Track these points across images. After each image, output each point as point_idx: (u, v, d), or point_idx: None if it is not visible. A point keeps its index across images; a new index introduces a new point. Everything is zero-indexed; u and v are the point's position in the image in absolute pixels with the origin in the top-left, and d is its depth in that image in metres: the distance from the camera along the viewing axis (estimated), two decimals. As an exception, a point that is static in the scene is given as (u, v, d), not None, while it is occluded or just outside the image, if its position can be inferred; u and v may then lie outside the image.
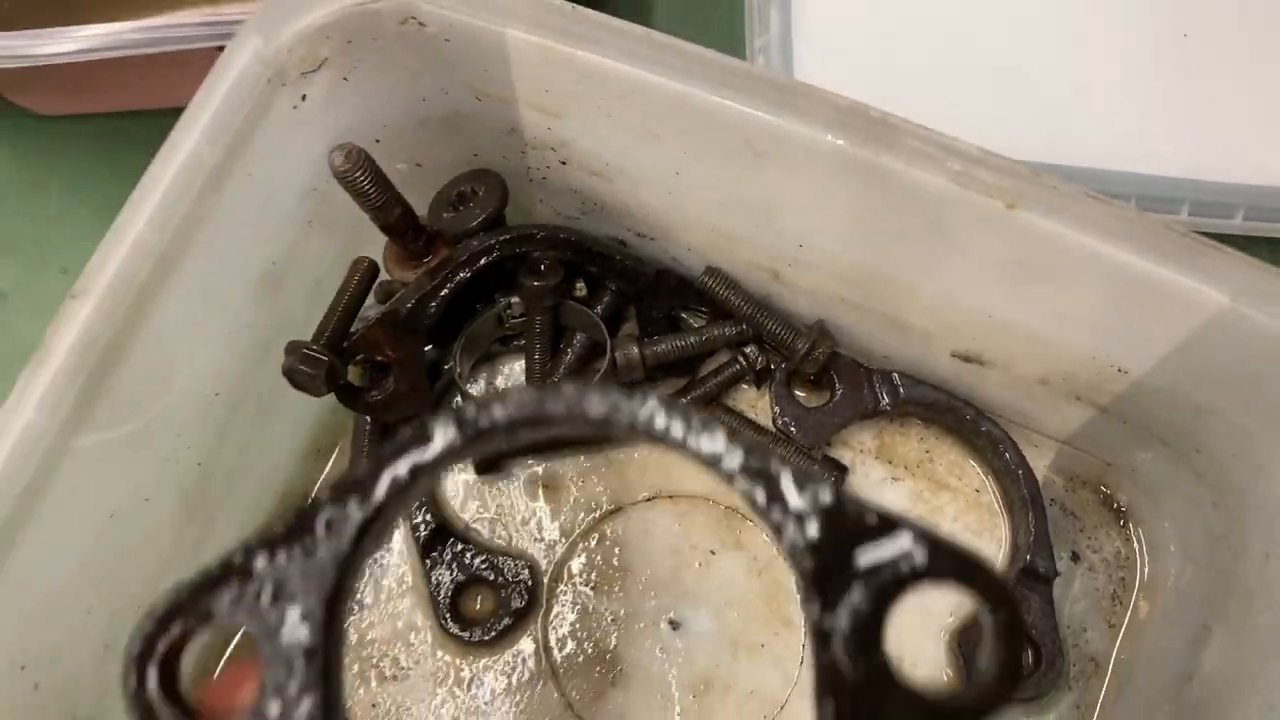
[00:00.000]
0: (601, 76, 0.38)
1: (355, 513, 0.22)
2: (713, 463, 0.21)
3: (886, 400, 0.48)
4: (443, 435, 0.22)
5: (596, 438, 0.47)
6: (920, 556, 0.20)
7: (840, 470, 0.47)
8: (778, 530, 0.21)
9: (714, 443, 0.22)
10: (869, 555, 0.20)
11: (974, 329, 0.42)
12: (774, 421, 0.48)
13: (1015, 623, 0.20)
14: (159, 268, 0.35)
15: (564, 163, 0.44)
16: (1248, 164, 0.51)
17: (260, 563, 0.22)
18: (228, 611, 0.22)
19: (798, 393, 0.49)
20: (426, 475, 0.22)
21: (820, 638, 0.20)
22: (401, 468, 0.22)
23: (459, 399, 0.48)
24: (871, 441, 0.49)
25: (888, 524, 0.21)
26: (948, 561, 0.20)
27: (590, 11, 0.37)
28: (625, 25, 0.37)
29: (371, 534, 0.22)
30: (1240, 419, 0.38)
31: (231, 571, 0.22)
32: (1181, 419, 0.41)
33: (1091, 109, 0.51)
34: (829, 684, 0.20)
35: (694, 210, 0.44)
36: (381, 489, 0.22)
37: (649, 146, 0.41)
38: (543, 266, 0.46)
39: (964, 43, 0.52)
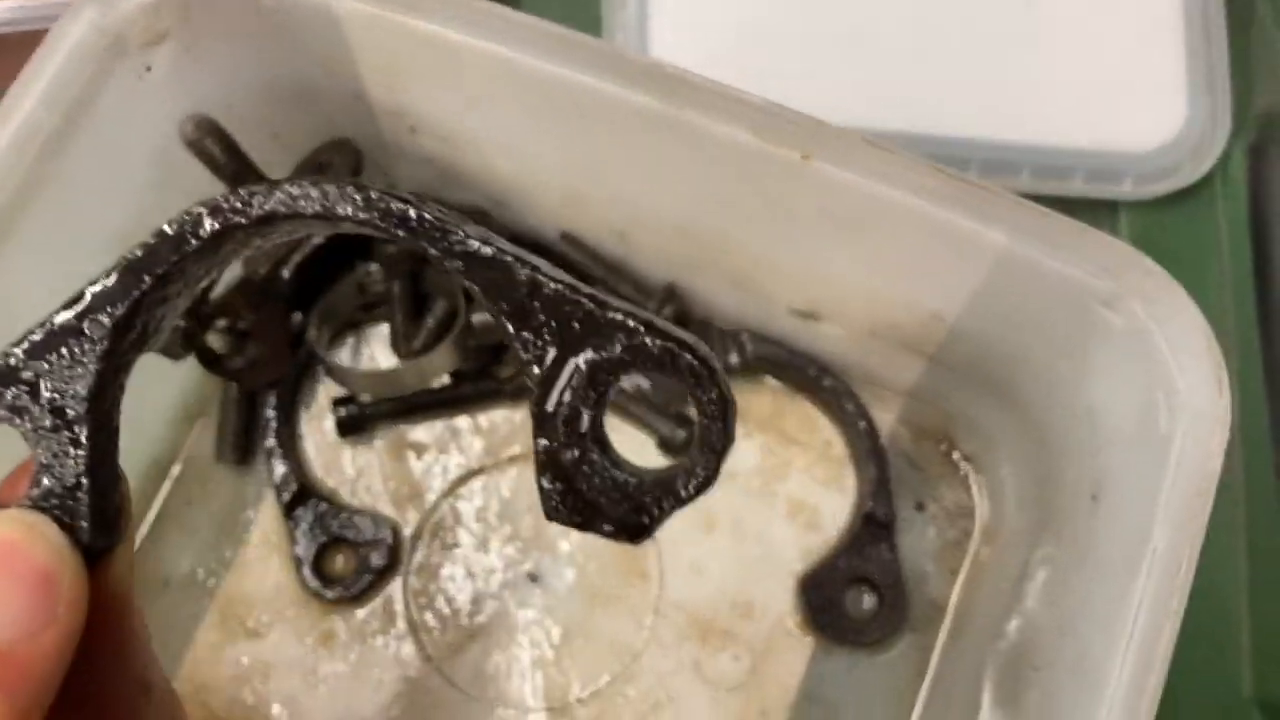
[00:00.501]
0: (432, 43, 0.39)
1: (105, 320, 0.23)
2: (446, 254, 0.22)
3: (736, 359, 0.50)
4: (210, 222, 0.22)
5: (461, 398, 0.49)
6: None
7: (692, 425, 0.49)
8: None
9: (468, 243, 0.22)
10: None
11: (802, 283, 0.44)
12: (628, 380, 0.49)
13: (724, 399, 0.22)
14: (-4, 231, 0.37)
15: (413, 130, 0.45)
16: (1083, 127, 0.53)
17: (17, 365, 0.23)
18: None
19: (655, 355, 0.51)
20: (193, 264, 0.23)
21: (539, 420, 0.22)
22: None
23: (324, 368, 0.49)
24: (749, 391, 0.51)
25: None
26: (657, 344, 0.22)
27: (417, -20, 0.39)
28: (451, -8, 0.39)
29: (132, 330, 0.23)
30: (1044, 359, 0.41)
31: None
32: (998, 363, 0.43)
33: (941, 75, 0.54)
34: (547, 465, 0.22)
35: (541, 175, 0.46)
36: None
37: (487, 112, 0.42)
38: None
39: (819, 12, 0.54)
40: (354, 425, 0.49)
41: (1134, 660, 0.32)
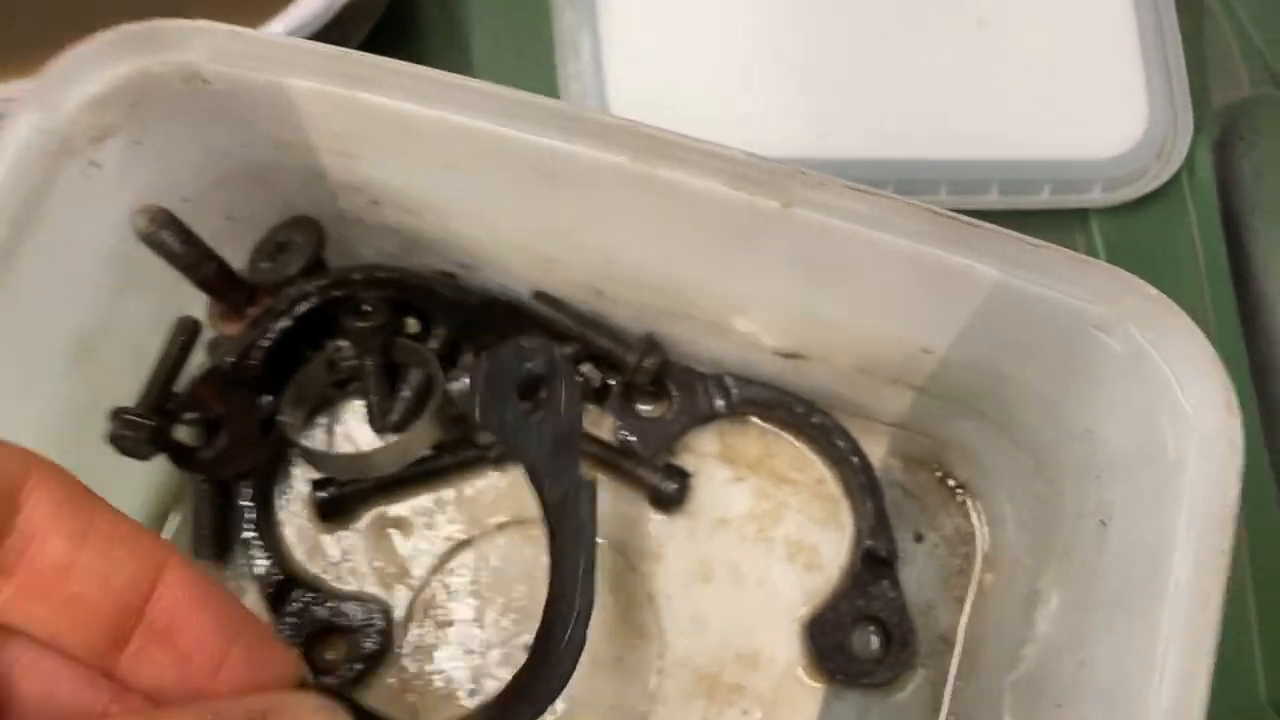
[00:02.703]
0: (387, 116, 0.38)
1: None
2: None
3: (722, 403, 0.49)
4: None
5: (443, 469, 0.47)
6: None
7: (683, 476, 0.48)
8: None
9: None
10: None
11: (786, 326, 0.43)
12: (615, 435, 0.48)
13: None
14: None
15: (375, 202, 0.44)
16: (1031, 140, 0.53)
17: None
18: None
19: (638, 405, 0.50)
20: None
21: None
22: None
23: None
24: (713, 444, 0.50)
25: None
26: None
27: (368, 55, 0.38)
28: (402, 65, 0.37)
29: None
30: (1037, 384, 0.40)
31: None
32: (990, 390, 0.42)
33: (903, 100, 0.53)
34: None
35: (508, 237, 0.44)
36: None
37: (448, 180, 0.41)
38: (367, 307, 0.47)
39: (775, 48, 0.53)
40: (335, 508, 0.47)
41: (1169, 698, 0.31)
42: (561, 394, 0.36)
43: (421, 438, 0.45)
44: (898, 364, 0.43)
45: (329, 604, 0.46)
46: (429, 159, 0.40)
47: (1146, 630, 0.33)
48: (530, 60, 0.53)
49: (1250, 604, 0.49)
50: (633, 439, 0.48)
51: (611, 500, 0.48)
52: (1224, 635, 0.47)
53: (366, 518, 0.48)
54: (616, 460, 0.48)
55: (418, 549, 0.48)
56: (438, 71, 0.37)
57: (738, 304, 0.42)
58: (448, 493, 0.49)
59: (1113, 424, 0.37)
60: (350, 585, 0.47)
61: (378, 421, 0.48)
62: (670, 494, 0.47)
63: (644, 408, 0.49)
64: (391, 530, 0.48)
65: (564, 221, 0.41)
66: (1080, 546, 0.39)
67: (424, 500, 0.49)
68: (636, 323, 0.47)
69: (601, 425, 0.50)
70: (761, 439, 0.50)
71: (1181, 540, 0.32)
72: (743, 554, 0.49)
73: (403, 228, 0.45)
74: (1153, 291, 0.34)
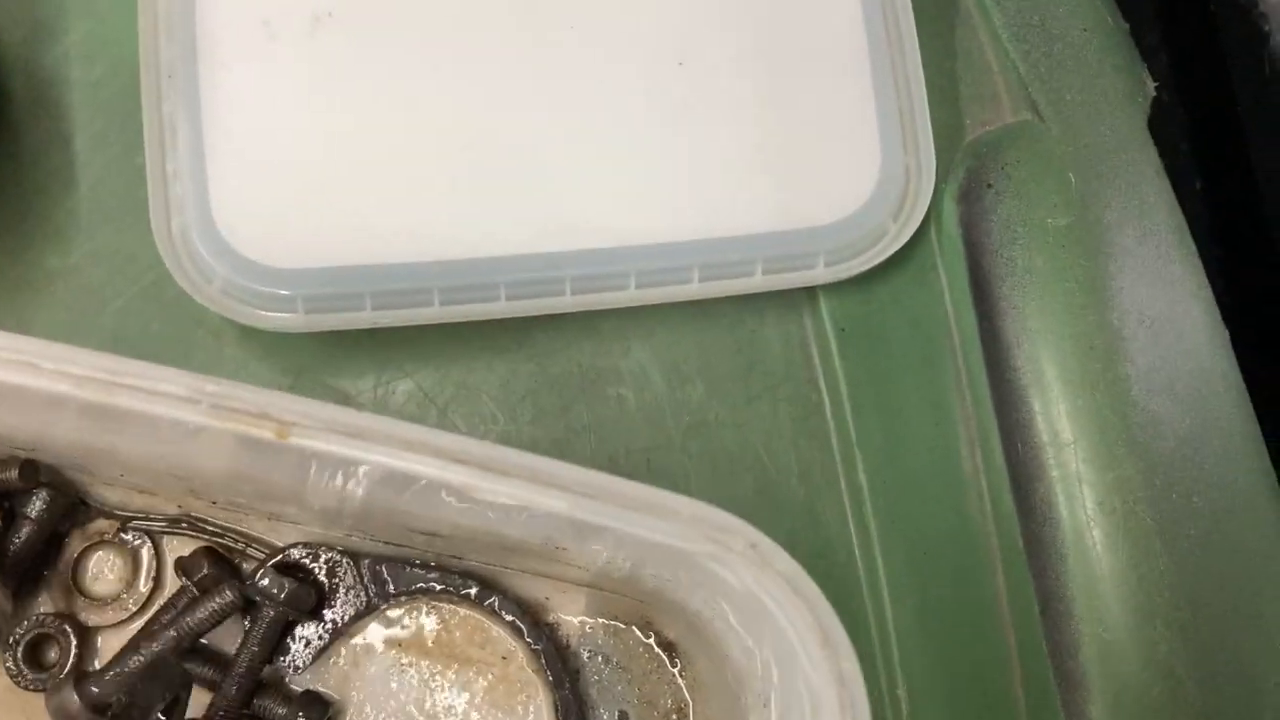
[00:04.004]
0: None
1: None
2: None
3: (376, 598, 0.40)
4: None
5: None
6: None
7: (323, 708, 0.39)
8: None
9: None
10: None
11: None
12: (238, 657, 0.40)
13: None
14: None
15: None
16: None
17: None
18: None
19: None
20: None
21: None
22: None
23: None
24: (374, 624, 0.41)
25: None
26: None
27: None
28: None
29: None
30: (684, 597, 0.31)
31: None
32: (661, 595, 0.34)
33: (578, 183, 0.44)
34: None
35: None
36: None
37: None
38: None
39: (411, 148, 0.44)
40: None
41: None
42: None
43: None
44: (541, 556, 0.34)
45: None
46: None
47: None
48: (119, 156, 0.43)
49: None
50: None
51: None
52: None
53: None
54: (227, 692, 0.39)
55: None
56: None
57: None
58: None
59: (754, 646, 0.29)
60: None
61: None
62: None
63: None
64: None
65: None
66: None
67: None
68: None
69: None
70: (433, 613, 0.41)
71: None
72: (418, 757, 0.40)
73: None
74: (761, 538, 0.26)
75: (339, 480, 0.30)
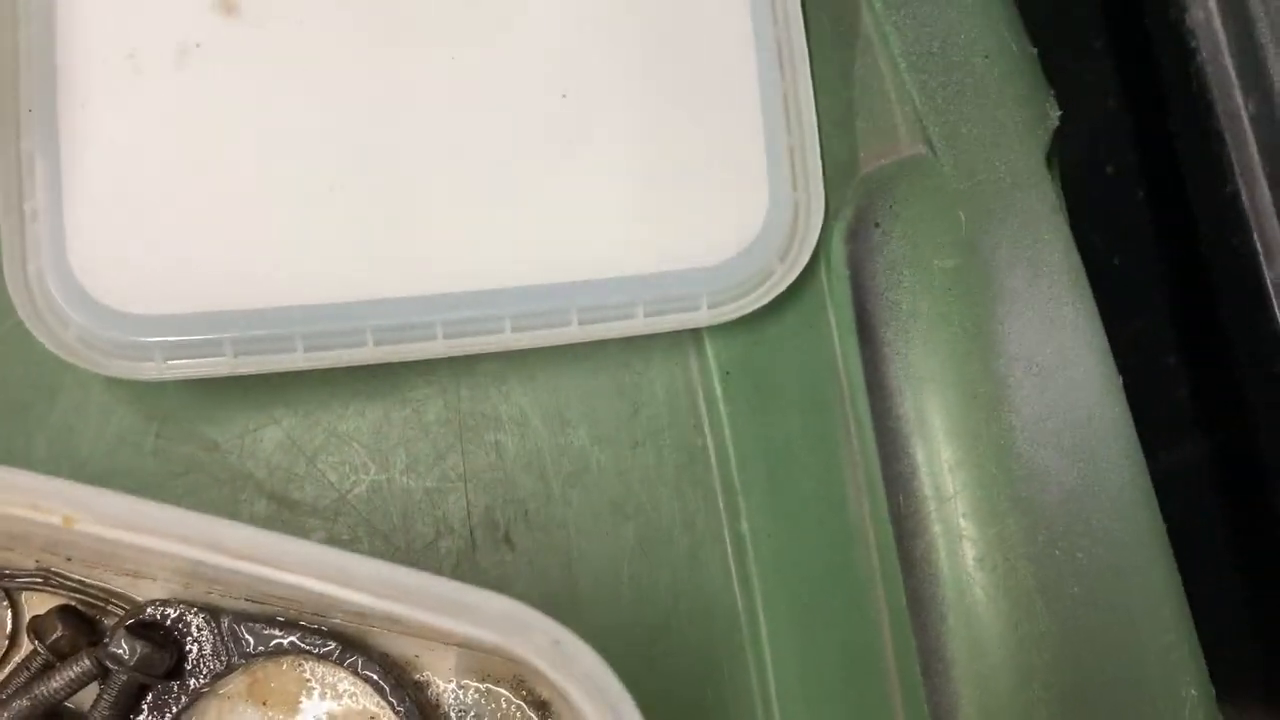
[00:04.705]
0: None
1: None
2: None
3: (236, 656, 0.38)
4: None
5: None
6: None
7: None
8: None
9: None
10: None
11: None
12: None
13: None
14: None
15: None
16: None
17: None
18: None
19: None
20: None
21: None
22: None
23: None
24: (242, 679, 0.40)
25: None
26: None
27: None
28: None
29: None
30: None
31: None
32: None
33: (450, 223, 0.42)
34: None
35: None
36: None
37: None
38: None
39: (281, 188, 0.42)
40: None
41: None
42: None
43: None
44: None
45: None
46: None
47: None
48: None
49: None
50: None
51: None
52: None
53: None
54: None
55: None
56: None
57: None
58: None
59: None
60: None
61: None
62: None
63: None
64: None
65: None
66: None
67: None
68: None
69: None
70: (298, 669, 0.40)
71: None
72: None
73: None
74: (567, 640, 0.24)
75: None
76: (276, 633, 0.39)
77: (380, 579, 0.26)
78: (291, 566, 0.26)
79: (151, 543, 0.27)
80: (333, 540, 0.41)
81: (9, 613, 0.40)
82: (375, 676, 0.39)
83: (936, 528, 0.39)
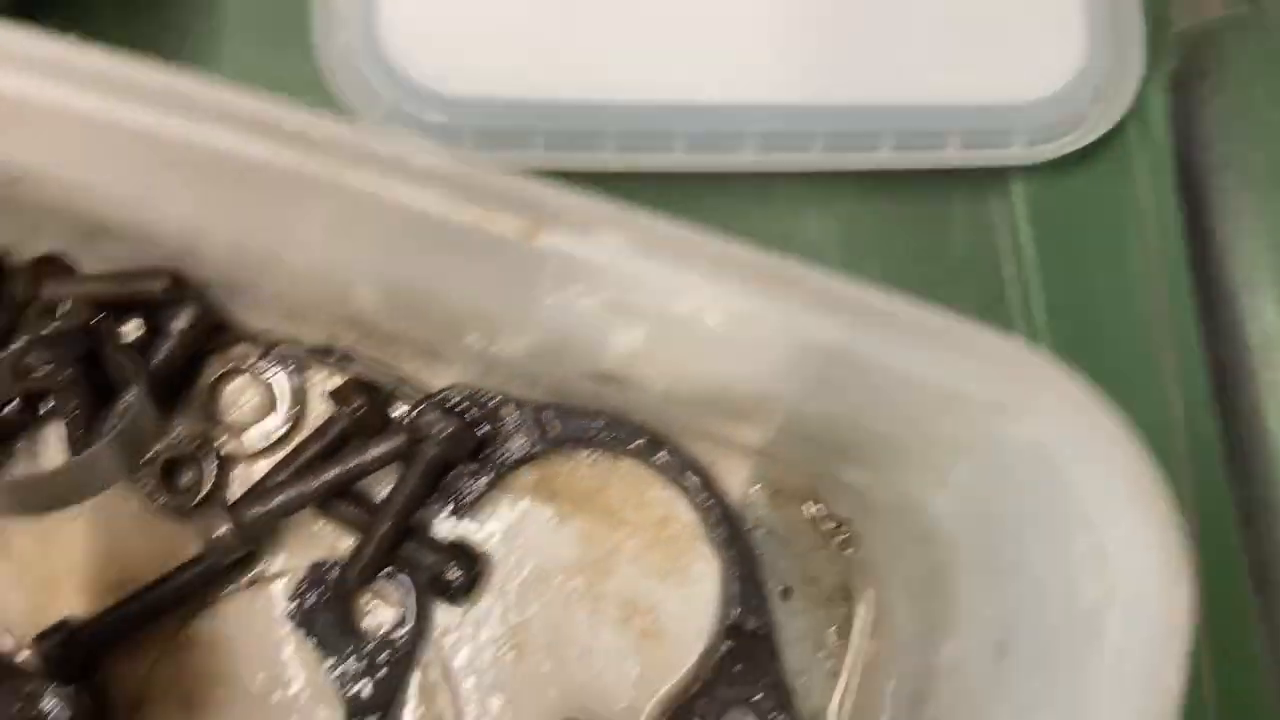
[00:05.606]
0: None
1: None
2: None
3: (538, 445, 0.38)
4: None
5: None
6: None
7: (471, 562, 0.37)
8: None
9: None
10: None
11: (581, 355, 0.32)
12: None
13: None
14: None
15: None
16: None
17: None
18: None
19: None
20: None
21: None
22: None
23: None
24: (529, 474, 0.39)
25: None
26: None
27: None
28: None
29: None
30: (921, 452, 0.29)
31: None
32: (863, 443, 0.32)
33: (767, 36, 0.41)
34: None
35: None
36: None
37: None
38: (63, 306, 0.35)
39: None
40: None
41: None
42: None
43: (103, 465, 0.34)
44: (737, 405, 0.32)
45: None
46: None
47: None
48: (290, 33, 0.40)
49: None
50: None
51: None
52: None
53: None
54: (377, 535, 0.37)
55: None
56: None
57: (517, 333, 0.31)
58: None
59: (1017, 528, 0.27)
60: None
61: (79, 449, 0.36)
62: (454, 585, 0.37)
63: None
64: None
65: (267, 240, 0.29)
66: (974, 665, 0.29)
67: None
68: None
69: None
70: (593, 465, 0.39)
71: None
72: (566, 618, 0.38)
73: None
74: (1073, 388, 0.23)
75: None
76: (586, 422, 0.38)
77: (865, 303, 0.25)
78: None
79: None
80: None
81: (298, 386, 0.39)
82: (688, 470, 0.38)
83: (1265, 375, 0.38)
